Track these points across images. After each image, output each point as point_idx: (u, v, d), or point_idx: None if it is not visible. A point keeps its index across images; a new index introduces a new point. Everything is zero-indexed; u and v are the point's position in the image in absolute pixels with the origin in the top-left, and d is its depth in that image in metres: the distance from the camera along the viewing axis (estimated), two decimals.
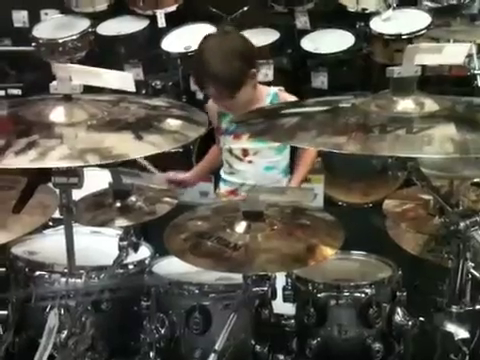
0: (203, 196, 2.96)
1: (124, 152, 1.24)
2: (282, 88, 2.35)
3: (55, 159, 1.18)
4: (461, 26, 3.22)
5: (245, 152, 2.31)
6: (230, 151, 2.34)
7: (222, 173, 2.42)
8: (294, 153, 2.39)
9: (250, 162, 2.31)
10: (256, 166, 2.31)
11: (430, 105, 1.30)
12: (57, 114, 1.32)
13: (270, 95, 2.28)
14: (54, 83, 1.34)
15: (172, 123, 1.44)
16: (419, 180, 1.37)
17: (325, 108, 1.48)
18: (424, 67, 1.35)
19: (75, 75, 1.34)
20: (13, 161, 1.17)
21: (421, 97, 1.32)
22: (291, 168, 2.40)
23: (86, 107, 1.36)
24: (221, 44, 2.16)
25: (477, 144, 1.15)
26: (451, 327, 1.32)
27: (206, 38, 2.21)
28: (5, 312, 1.75)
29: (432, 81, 2.95)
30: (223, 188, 2.42)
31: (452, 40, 2.65)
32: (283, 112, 1.60)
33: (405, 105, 1.30)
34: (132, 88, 1.37)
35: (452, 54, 1.37)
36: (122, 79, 1.38)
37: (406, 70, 1.32)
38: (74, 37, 3.51)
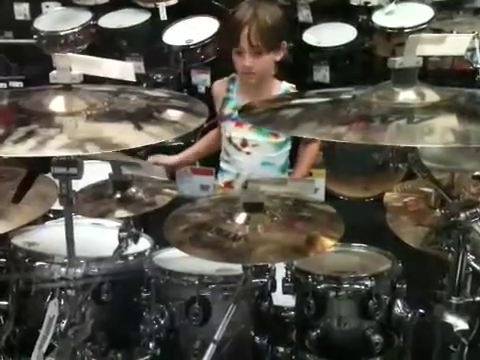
0: (204, 190, 2.95)
1: (124, 142, 1.24)
2: (294, 86, 2.34)
3: (54, 148, 1.18)
4: (464, 20, 3.21)
5: (244, 142, 2.29)
6: (229, 139, 2.32)
7: (220, 161, 2.41)
8: (294, 151, 2.38)
9: (248, 153, 2.30)
10: (253, 159, 2.30)
11: (431, 96, 1.30)
12: (57, 103, 1.32)
13: (281, 90, 2.27)
14: (54, 72, 1.34)
15: (172, 114, 1.43)
16: (420, 172, 1.37)
17: (327, 99, 1.48)
18: (426, 61, 1.34)
19: (75, 65, 1.34)
20: (11, 150, 1.17)
21: (422, 88, 1.32)
22: (291, 165, 2.39)
23: (86, 97, 1.36)
24: (271, 5, 2.29)
25: (478, 134, 1.14)
26: (451, 318, 1.32)
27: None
28: (5, 302, 1.75)
29: (434, 75, 2.94)
30: (220, 179, 2.41)
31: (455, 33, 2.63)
32: (285, 103, 1.60)
33: (406, 96, 1.30)
34: (132, 78, 1.37)
35: (454, 45, 1.36)
36: (122, 69, 1.38)
37: (407, 61, 1.31)
38: (76, 30, 3.48)
